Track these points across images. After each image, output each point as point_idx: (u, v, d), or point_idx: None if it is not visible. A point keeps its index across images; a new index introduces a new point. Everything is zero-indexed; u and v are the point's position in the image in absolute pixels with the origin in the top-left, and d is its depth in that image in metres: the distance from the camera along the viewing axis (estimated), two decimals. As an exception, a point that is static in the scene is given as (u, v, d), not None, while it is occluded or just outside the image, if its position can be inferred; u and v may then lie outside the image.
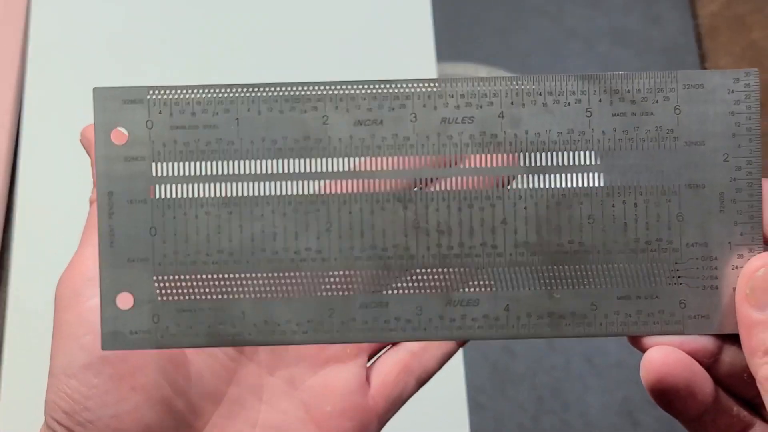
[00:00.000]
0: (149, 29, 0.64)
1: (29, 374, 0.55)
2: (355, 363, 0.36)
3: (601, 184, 0.29)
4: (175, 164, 0.29)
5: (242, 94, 0.29)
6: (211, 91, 0.29)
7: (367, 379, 0.36)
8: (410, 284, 0.29)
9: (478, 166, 0.29)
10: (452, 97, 0.29)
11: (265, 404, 0.35)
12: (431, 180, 0.29)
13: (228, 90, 0.29)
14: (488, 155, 0.29)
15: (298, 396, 0.35)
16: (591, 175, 0.29)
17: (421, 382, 0.37)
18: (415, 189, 0.29)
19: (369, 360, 0.37)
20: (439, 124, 0.29)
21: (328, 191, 0.29)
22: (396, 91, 0.29)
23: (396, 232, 0.29)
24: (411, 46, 0.63)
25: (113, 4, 0.64)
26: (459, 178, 0.29)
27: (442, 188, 0.29)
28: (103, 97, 0.29)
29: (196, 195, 0.29)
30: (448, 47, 0.64)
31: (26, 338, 0.56)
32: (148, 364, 0.31)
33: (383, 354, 0.37)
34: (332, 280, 0.29)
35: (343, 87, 0.29)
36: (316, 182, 0.29)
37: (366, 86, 0.29)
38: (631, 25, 0.66)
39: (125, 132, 0.29)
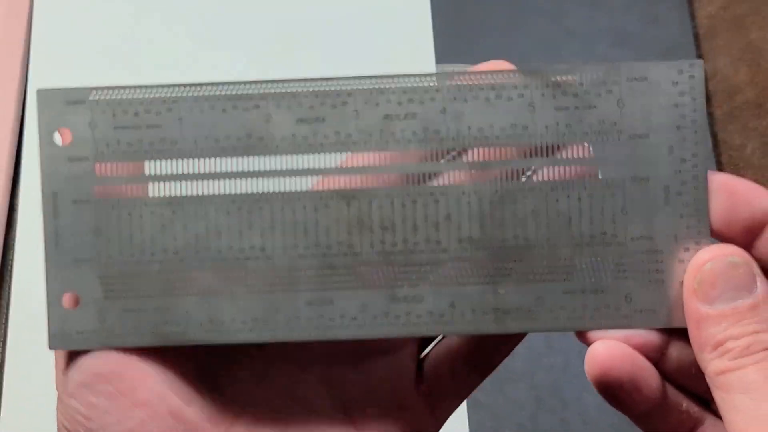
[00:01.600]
0: (151, 32, 0.65)
1: (32, 376, 0.58)
2: (403, 353, 0.33)
3: (545, 179, 0.30)
4: (119, 164, 0.30)
5: (185, 94, 0.30)
6: (154, 90, 0.30)
7: (420, 373, 0.34)
8: (354, 281, 0.31)
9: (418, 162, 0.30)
10: (394, 93, 0.30)
11: (298, 405, 0.33)
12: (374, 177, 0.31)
13: (170, 89, 0.30)
14: (427, 151, 0.30)
15: (336, 395, 0.33)
16: (534, 169, 0.30)
17: (485, 373, 0.34)
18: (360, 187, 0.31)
19: (420, 350, 0.34)
20: (382, 120, 0.30)
21: (271, 189, 0.30)
22: (337, 88, 0.30)
23: (340, 229, 0.30)
24: (411, 45, 0.64)
25: (116, 7, 0.66)
26: (402, 175, 0.31)
27: (385, 185, 0.30)
28: (46, 98, 0.30)
29: (140, 195, 0.30)
30: (447, 47, 0.65)
31: (30, 340, 0.59)
32: (148, 377, 0.30)
33: (438, 343, 0.34)
34: (277, 277, 0.31)
35: (286, 85, 0.30)
36: (260, 180, 0.30)
37: (308, 84, 0.30)
38: (630, 26, 0.68)
39: (69, 132, 0.30)
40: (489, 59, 0.32)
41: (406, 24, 0.65)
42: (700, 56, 0.63)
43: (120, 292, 0.31)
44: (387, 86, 0.30)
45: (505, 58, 0.32)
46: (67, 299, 0.30)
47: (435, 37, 0.64)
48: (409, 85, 0.30)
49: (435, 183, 0.31)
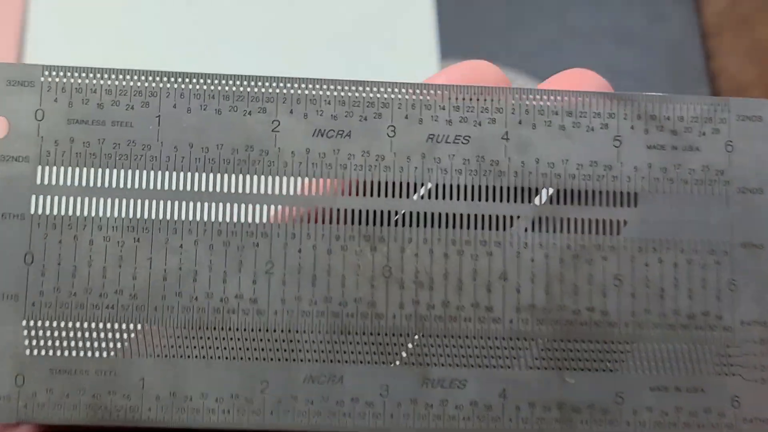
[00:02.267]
0: (150, 26, 0.60)
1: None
2: None
3: (632, 236, 0.24)
4: (69, 170, 0.23)
5: (168, 85, 0.23)
6: (127, 77, 0.23)
7: None
8: (374, 353, 0.23)
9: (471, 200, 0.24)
10: (443, 108, 0.24)
11: None
12: (410, 214, 0.24)
13: (149, 78, 0.23)
14: (484, 187, 0.24)
15: None
16: (619, 222, 0.24)
17: None
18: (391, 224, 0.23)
19: None
20: (425, 141, 0.24)
21: (272, 220, 0.23)
22: (371, 95, 0.24)
23: (360, 280, 0.23)
24: (413, 44, 0.62)
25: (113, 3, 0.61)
26: (447, 214, 0.24)
27: (424, 225, 0.23)
28: (-20, 74, 0.23)
29: (93, 213, 0.23)
30: (450, 46, 0.63)
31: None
32: None
33: None
34: (269, 340, 0.23)
35: (302, 85, 0.24)
36: (257, 207, 0.23)
37: (332, 87, 0.24)
38: (635, 24, 0.67)
39: (5, 122, 0.23)
40: (490, 58, 0.26)
41: (409, 22, 0.63)
42: (706, 55, 0.63)
43: (50, 345, 0.23)
44: (434, 98, 0.24)
45: (506, 56, 0.26)
46: (-26, 348, 0.22)
47: (438, 36, 0.63)
48: (464, 99, 0.24)
49: (489, 229, 0.24)
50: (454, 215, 0.24)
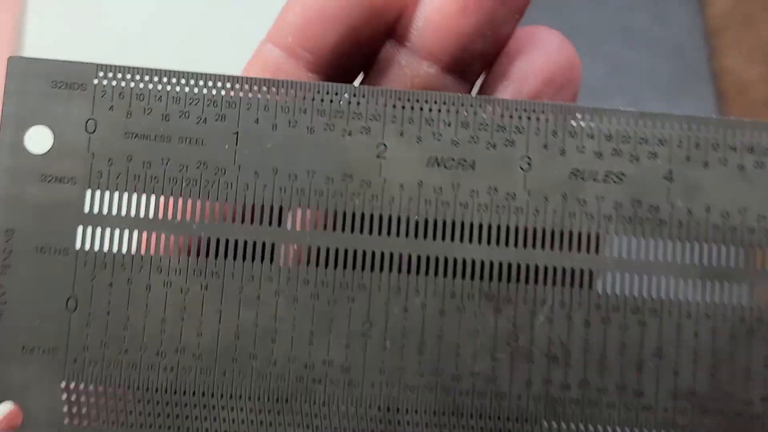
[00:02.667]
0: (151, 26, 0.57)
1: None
2: None
3: (823, 309, 0.19)
4: (125, 196, 0.19)
5: (249, 94, 0.19)
6: (200, 82, 0.19)
7: None
8: (493, 441, 0.19)
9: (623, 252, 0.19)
10: (592, 137, 0.19)
11: None
12: (545, 269, 0.19)
13: (226, 84, 0.19)
14: (640, 239, 0.19)
15: None
16: (808, 291, 0.19)
17: None
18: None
19: None
20: (567, 178, 0.19)
21: (371, 269, 0.19)
22: (502, 118, 0.19)
23: (478, 350, 0.19)
24: None
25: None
26: (591, 271, 0.19)
27: (561, 284, 0.19)
28: (22, 72, 0.19)
29: (151, 252, 0.19)
30: None
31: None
32: None
33: None
34: (363, 419, 0.19)
35: (416, 102, 0.19)
36: (355, 252, 0.19)
37: (453, 105, 0.19)
38: (638, 24, 0.68)
39: (49, 134, 0.19)
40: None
41: None
42: (710, 53, 0.64)
43: (94, 414, 0.18)
44: (582, 125, 0.19)
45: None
46: (2, 415, 0.18)
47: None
48: (620, 128, 0.19)
49: (643, 293, 0.19)
50: (599, 272, 0.19)
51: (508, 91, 0.20)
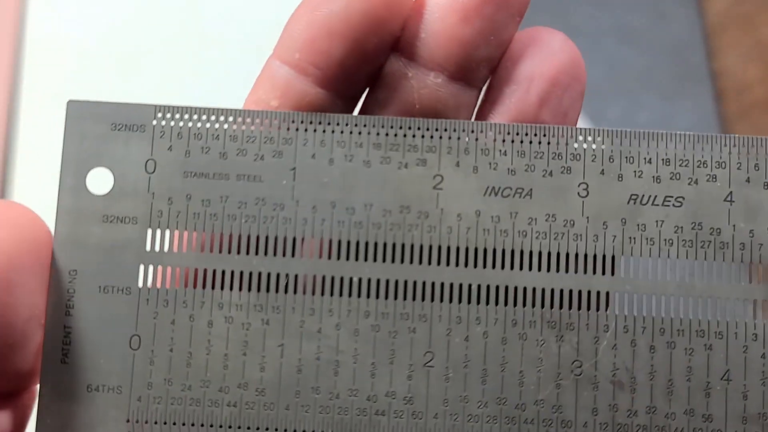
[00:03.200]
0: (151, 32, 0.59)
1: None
2: None
3: None
4: (185, 235, 0.19)
5: (305, 130, 0.19)
6: (256, 120, 0.19)
7: None
8: (561, 471, 0.19)
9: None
10: (650, 161, 0.19)
11: None
12: (606, 295, 0.19)
13: (282, 122, 0.19)
14: (702, 261, 0.19)
15: None
16: None
17: None
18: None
19: None
20: (626, 203, 0.19)
21: (431, 299, 0.19)
22: (558, 145, 0.19)
23: (542, 378, 0.19)
24: None
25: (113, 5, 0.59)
26: (654, 296, 0.19)
27: (624, 310, 0.19)
28: (81, 115, 0.20)
29: (213, 289, 0.19)
30: None
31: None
32: None
33: None
34: (428, 451, 0.19)
35: (471, 132, 0.19)
36: (415, 282, 0.19)
37: (508, 134, 0.19)
38: (637, 23, 0.68)
39: (110, 175, 0.19)
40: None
41: None
42: (709, 54, 0.65)
43: (160, 450, 0.19)
44: (639, 150, 0.19)
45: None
46: (69, 454, 0.19)
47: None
48: (675, 151, 0.19)
49: (708, 316, 0.19)
50: (663, 297, 0.19)
51: (514, 95, 0.20)
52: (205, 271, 0.19)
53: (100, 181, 0.20)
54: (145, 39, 0.59)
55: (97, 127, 0.20)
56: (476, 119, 0.20)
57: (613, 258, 0.19)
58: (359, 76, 0.20)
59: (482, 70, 0.20)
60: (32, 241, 0.19)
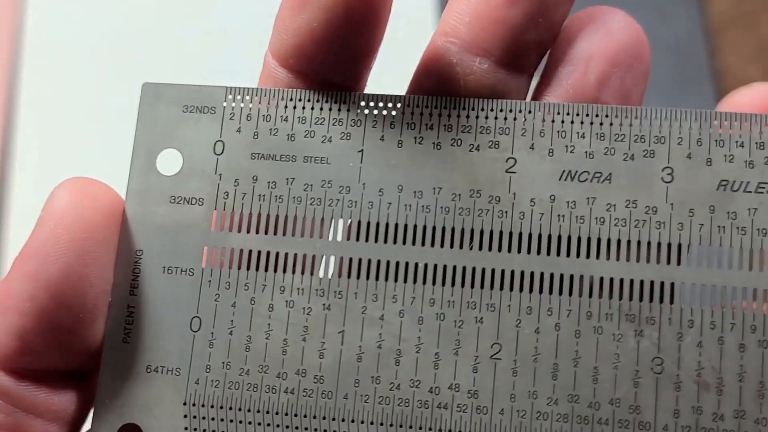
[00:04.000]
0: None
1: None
2: None
3: None
4: (251, 216, 0.19)
5: (375, 112, 0.19)
6: (325, 103, 0.20)
7: None
8: (637, 477, 0.18)
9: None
10: (742, 145, 0.18)
11: None
12: (691, 287, 0.18)
13: (352, 103, 0.19)
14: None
15: None
16: None
17: None
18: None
19: None
20: (715, 190, 0.18)
21: (500, 287, 0.18)
22: (641, 127, 0.18)
23: (619, 375, 0.18)
24: (414, 43, 0.60)
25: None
26: (746, 290, 0.18)
27: (709, 304, 0.18)
28: (155, 97, 0.20)
29: (275, 272, 0.19)
30: None
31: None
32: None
33: None
34: (492, 449, 0.18)
35: (547, 114, 0.19)
36: (483, 270, 0.19)
37: (587, 115, 0.19)
38: (639, 22, 0.69)
39: (179, 156, 0.20)
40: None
41: (411, 21, 0.62)
42: (710, 53, 0.65)
43: (215, 435, 0.19)
44: (730, 131, 0.18)
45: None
46: (123, 432, 0.19)
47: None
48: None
49: (807, 314, 0.18)
50: (755, 291, 0.18)
51: (572, 76, 0.19)
52: (268, 253, 0.19)
53: (170, 162, 0.20)
54: (145, 38, 0.61)
55: (169, 110, 0.20)
56: None
57: (679, 246, 0.18)
58: (357, 73, 0.20)
59: (532, 54, 0.20)
60: (110, 215, 0.19)
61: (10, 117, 0.59)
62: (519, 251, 0.19)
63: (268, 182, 0.20)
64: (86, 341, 0.20)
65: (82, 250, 0.19)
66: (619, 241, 0.18)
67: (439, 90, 0.20)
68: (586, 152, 0.19)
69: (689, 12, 0.66)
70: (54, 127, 0.58)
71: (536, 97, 0.20)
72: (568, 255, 0.19)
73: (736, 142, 0.19)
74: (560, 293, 0.19)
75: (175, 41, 0.61)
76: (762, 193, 0.18)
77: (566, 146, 0.19)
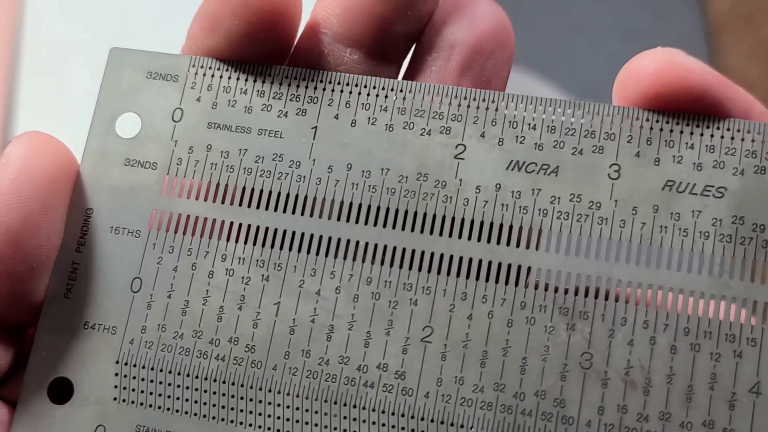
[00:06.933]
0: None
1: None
2: None
3: None
4: (201, 184, 0.21)
5: (332, 90, 0.21)
6: (285, 78, 0.21)
7: None
8: (556, 471, 0.18)
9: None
10: (692, 147, 0.19)
11: None
12: (630, 287, 0.19)
13: (311, 80, 0.21)
14: (739, 259, 0.19)
15: None
16: None
17: None
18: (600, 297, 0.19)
19: None
20: (661, 190, 0.19)
21: (437, 271, 0.19)
22: (591, 122, 0.20)
23: (547, 368, 0.19)
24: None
25: None
26: (682, 292, 0.19)
27: (645, 304, 0.19)
28: (121, 62, 0.22)
29: (218, 240, 0.20)
30: None
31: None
32: None
33: None
34: (413, 430, 0.19)
35: (501, 103, 0.20)
36: (423, 253, 0.20)
37: (540, 107, 0.20)
38: (639, 22, 0.72)
39: (138, 120, 0.21)
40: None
41: None
42: (711, 53, 0.68)
43: (142, 396, 0.20)
44: (681, 134, 0.19)
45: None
46: (55, 387, 0.20)
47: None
48: (721, 138, 0.19)
49: (740, 321, 0.18)
50: (692, 294, 0.19)
51: (435, 63, 0.21)
52: (214, 221, 0.21)
53: (129, 125, 0.22)
54: (145, 38, 0.62)
55: (133, 75, 0.22)
56: None
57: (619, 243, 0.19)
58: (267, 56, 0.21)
59: (400, 45, 0.21)
60: (67, 171, 0.21)
61: (10, 117, 0.62)
62: (460, 237, 0.20)
63: (222, 152, 0.21)
64: (32, 294, 0.21)
65: (44, 202, 0.20)
66: (560, 234, 0.19)
67: None
68: (535, 144, 0.20)
69: (690, 12, 0.69)
70: (54, 126, 0.60)
71: None
72: (508, 244, 0.20)
73: (686, 143, 0.19)
74: (497, 281, 0.20)
75: (176, 41, 0.64)
76: (708, 195, 0.19)
77: (516, 137, 0.20)
